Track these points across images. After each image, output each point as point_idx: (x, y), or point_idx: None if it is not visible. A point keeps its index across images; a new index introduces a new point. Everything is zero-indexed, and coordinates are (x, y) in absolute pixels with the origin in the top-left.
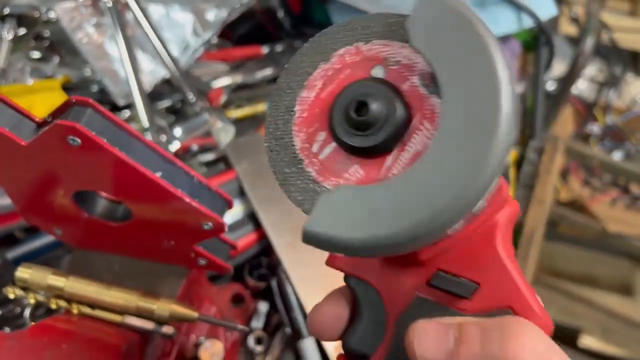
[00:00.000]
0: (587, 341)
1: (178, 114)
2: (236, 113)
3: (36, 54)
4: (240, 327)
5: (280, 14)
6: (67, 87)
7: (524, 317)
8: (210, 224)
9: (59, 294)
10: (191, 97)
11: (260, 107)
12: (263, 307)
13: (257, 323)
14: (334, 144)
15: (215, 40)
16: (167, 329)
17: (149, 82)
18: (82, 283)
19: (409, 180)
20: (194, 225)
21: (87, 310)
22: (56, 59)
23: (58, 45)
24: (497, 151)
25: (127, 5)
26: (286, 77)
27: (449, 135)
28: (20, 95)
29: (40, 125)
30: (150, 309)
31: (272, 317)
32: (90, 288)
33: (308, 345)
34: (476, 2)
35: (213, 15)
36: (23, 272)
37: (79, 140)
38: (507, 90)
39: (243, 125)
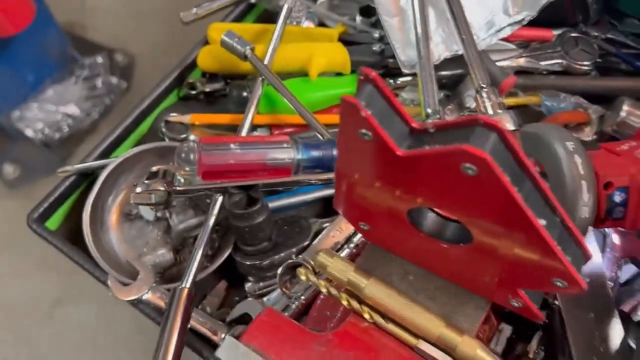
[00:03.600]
0: None
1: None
2: (507, 100)
3: None
4: None
5: None
6: (342, 40)
7: None
8: (565, 283)
9: (353, 291)
10: (483, 84)
11: (535, 99)
12: (507, 330)
13: (496, 346)
14: None
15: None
16: None
17: (436, 55)
18: (383, 290)
19: None
20: (542, 276)
21: (379, 319)
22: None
23: None
24: None
25: None
26: None
27: None
28: (301, 39)
29: (414, 132)
30: (452, 344)
31: (516, 344)
32: (392, 299)
33: None
34: None
35: None
36: (324, 259)
37: (475, 170)
38: None
39: None
